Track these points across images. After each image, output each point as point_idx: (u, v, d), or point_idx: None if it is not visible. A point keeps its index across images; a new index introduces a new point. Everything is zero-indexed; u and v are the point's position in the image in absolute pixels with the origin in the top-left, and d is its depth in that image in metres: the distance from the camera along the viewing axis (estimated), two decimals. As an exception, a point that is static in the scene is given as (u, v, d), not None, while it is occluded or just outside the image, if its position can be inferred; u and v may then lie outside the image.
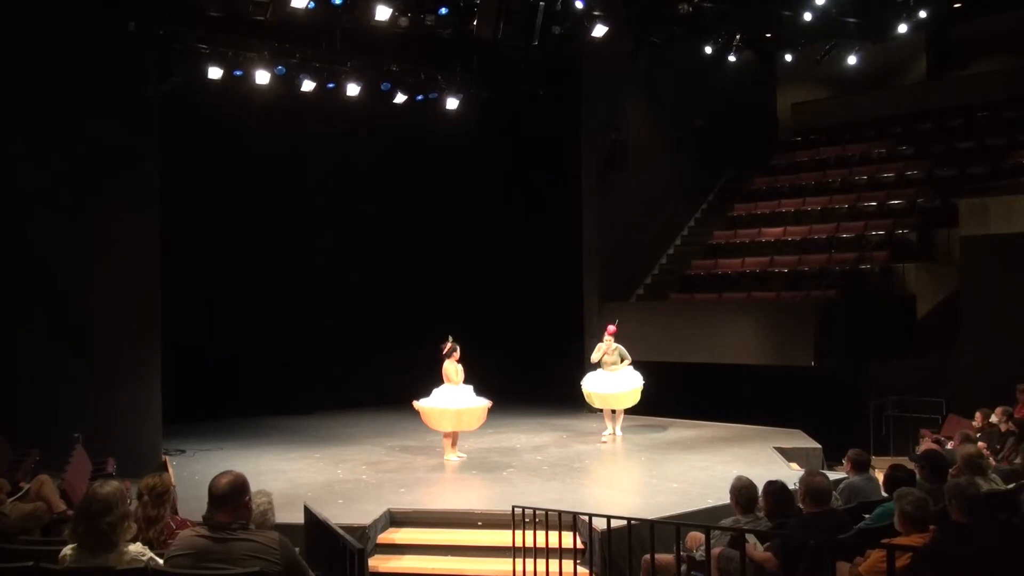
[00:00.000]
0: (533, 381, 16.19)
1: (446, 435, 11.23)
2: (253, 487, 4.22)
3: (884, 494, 6.70)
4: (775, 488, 5.97)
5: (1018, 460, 8.13)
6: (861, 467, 7.30)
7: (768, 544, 5.43)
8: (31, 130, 10.51)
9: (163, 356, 11.43)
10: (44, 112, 10.54)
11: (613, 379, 12.42)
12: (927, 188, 15.77)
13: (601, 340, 12.59)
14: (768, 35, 15.67)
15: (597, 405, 12.80)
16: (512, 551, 7.71)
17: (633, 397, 12.50)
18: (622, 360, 12.43)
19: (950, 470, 6.51)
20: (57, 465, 8.17)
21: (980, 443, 8.76)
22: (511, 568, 7.68)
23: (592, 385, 12.57)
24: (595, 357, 12.52)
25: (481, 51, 14.41)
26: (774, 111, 19.64)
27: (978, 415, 10.09)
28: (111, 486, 4.24)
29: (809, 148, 18.80)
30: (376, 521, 8.33)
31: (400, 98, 14.55)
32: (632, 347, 12.64)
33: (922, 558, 4.64)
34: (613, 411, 12.68)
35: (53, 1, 10.59)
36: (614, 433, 12.64)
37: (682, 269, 16.66)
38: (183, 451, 11.81)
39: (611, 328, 12.53)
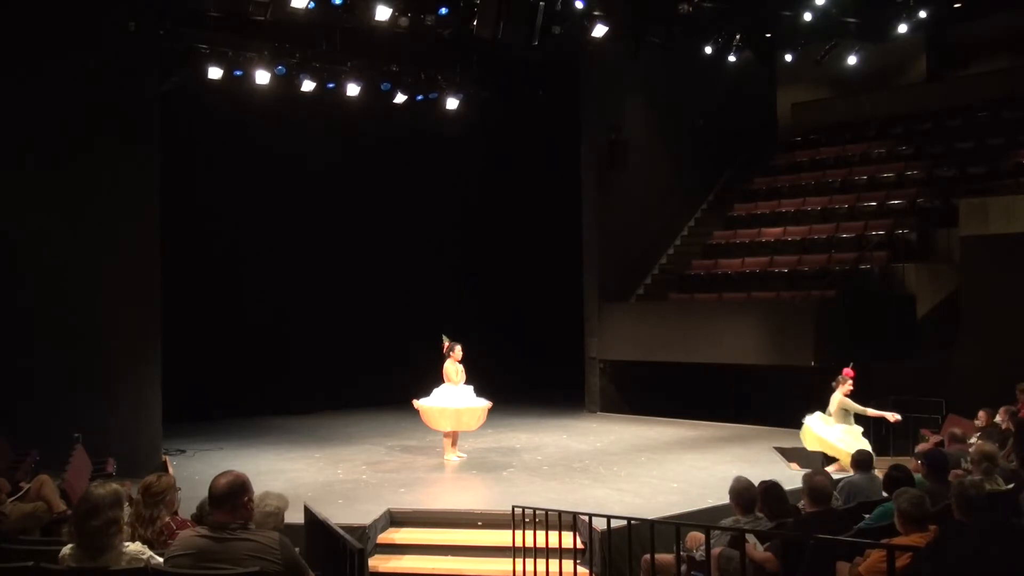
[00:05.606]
0: (533, 381, 16.18)
1: (446, 435, 11.23)
2: (254, 487, 4.20)
3: (885, 494, 6.71)
4: (766, 486, 6.04)
5: (1012, 465, 8.10)
6: (864, 466, 7.35)
7: (768, 544, 5.44)
8: (31, 130, 10.49)
9: (163, 356, 11.42)
10: (44, 112, 10.52)
11: (840, 430, 10.56)
12: (927, 188, 15.77)
13: (837, 386, 10.64)
14: (768, 35, 15.65)
15: (812, 447, 10.86)
16: (512, 551, 7.71)
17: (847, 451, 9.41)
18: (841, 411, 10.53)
19: (962, 467, 6.52)
20: (57, 465, 8.17)
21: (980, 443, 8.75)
22: (511, 568, 7.68)
23: (816, 426, 10.68)
24: (854, 406, 10.51)
25: (481, 51, 14.41)
26: (774, 111, 19.63)
27: (982, 414, 10.06)
28: (107, 488, 4.21)
29: (809, 148, 18.79)
30: (376, 521, 8.33)
31: (400, 98, 14.54)
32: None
33: (922, 558, 4.64)
34: (829, 458, 10.63)
35: (53, 1, 10.59)
36: None
37: (682, 269, 16.66)
38: (183, 451, 11.81)
39: (848, 372, 10.64)
